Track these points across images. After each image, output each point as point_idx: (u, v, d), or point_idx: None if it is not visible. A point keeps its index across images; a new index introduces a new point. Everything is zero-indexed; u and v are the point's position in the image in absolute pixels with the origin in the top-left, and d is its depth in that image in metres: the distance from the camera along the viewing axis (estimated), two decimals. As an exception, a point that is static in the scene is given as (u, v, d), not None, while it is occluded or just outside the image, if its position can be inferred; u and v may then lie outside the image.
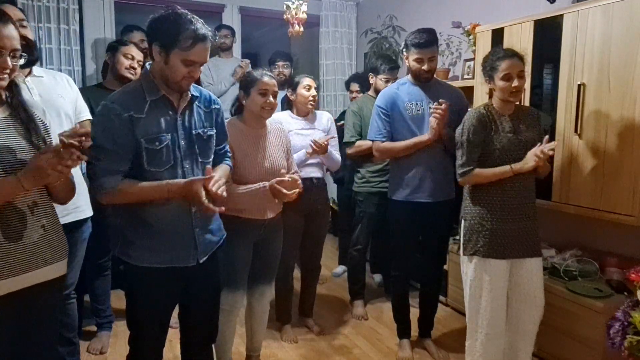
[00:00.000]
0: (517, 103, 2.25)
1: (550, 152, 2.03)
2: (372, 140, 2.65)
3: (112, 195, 1.59)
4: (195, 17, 1.59)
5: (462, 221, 2.28)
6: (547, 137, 2.10)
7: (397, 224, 2.66)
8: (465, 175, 2.19)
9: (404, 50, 2.55)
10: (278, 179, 2.10)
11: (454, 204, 2.62)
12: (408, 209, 2.58)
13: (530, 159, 2.06)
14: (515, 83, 2.08)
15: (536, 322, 2.20)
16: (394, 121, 2.56)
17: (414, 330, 2.83)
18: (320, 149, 2.63)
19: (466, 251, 2.23)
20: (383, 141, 2.59)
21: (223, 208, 1.64)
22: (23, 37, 1.89)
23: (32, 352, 1.46)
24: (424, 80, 2.54)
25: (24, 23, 1.96)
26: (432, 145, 2.48)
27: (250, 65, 4.05)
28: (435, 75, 2.65)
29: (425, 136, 2.46)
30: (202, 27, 1.57)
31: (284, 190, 2.09)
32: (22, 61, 1.40)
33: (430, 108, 2.47)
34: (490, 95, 2.28)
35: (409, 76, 2.60)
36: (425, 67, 2.47)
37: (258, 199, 2.16)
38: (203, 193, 1.57)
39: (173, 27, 1.54)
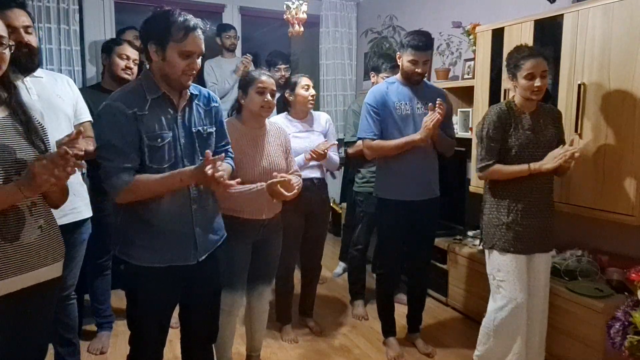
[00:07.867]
0: (539, 101, 2.25)
1: (575, 155, 2.02)
2: (362, 139, 2.63)
3: (128, 192, 1.58)
4: (185, 12, 1.61)
5: (482, 215, 2.31)
6: (572, 138, 2.10)
7: (385, 222, 2.67)
8: (484, 170, 2.21)
9: (399, 49, 2.55)
10: (274, 180, 2.09)
11: (440, 201, 2.67)
12: (395, 207, 2.59)
13: (549, 160, 2.07)
14: (537, 83, 2.08)
15: (545, 310, 2.24)
16: (383, 120, 2.56)
17: (402, 327, 2.85)
18: (319, 158, 2.64)
19: (485, 244, 2.29)
20: (374, 139, 2.57)
21: (239, 180, 1.64)
22: (26, 44, 1.90)
23: (23, 353, 1.45)
24: (415, 82, 2.55)
25: (30, 30, 1.93)
26: (423, 144, 2.48)
27: (252, 61, 4.01)
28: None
29: (416, 135, 2.46)
30: (192, 18, 1.61)
31: (282, 191, 2.09)
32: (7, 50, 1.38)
33: (418, 108, 2.52)
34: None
35: (398, 76, 2.61)
36: (419, 69, 2.49)
37: (256, 199, 2.16)
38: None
39: (163, 22, 1.57)
